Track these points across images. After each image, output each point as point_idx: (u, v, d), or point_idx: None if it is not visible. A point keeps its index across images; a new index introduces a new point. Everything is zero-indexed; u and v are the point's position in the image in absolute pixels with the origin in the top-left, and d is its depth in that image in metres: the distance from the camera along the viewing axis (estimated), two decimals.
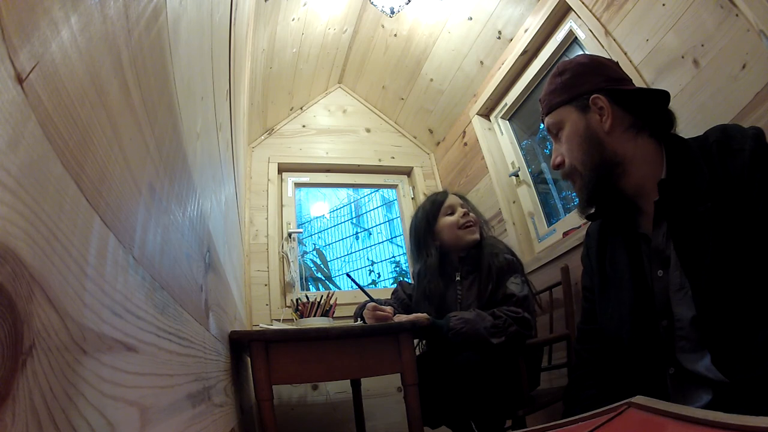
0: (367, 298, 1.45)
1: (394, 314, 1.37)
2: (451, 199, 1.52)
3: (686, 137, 0.79)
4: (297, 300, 1.61)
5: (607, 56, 1.49)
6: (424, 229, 1.50)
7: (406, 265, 2.82)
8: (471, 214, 1.49)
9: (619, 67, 0.90)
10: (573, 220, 1.83)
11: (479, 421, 1.16)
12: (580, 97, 0.83)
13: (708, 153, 0.71)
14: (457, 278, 1.45)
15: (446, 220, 1.47)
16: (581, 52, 1.78)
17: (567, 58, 0.89)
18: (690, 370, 0.69)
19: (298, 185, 2.63)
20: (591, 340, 0.88)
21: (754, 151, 0.66)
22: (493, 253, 1.40)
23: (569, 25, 1.72)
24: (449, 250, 1.48)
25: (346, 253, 3.79)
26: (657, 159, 0.77)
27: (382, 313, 1.32)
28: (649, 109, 0.81)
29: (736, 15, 1.08)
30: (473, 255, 1.44)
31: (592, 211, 0.87)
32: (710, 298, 0.65)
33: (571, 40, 1.77)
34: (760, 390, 0.57)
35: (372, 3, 2.03)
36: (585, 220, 1.62)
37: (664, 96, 0.81)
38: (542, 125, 0.94)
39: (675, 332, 0.71)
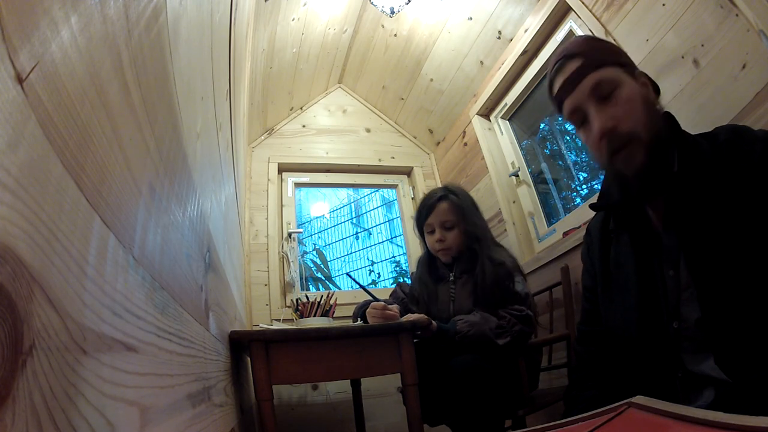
0: (368, 298, 1.46)
1: (400, 314, 1.37)
2: (435, 216, 1.43)
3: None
4: (297, 300, 1.61)
5: None
6: (418, 231, 1.52)
7: (406, 265, 2.82)
8: (450, 234, 1.41)
9: None
10: (573, 220, 1.83)
11: (478, 423, 1.16)
12: (630, 66, 0.77)
13: (718, 152, 0.69)
14: (451, 278, 1.45)
15: (427, 236, 1.47)
16: None
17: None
18: (694, 372, 0.68)
19: (298, 185, 2.63)
20: (591, 341, 0.88)
21: (764, 153, 0.65)
22: (498, 263, 1.36)
23: (569, 25, 1.72)
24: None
25: (346, 253, 3.79)
26: (671, 153, 0.74)
27: (390, 312, 1.32)
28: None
29: (736, 15, 1.08)
30: (467, 257, 1.43)
31: (643, 185, 0.74)
32: (716, 299, 0.64)
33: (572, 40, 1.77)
34: (763, 391, 0.57)
35: (372, 3, 2.03)
36: (584, 222, 1.62)
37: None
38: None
39: (681, 333, 0.70)
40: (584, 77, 0.74)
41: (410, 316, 1.33)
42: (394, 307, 1.36)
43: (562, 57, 0.79)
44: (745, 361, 0.61)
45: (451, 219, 1.42)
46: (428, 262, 1.51)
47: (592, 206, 0.86)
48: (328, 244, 3.81)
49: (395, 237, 3.48)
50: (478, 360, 1.20)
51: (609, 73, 0.73)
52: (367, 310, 1.36)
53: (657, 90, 0.79)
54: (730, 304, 0.63)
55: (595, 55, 0.75)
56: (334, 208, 3.86)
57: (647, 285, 0.74)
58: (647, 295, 0.74)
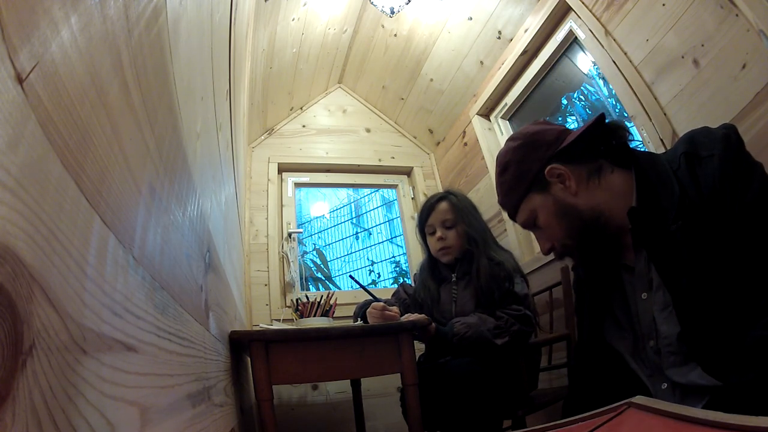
0: (369, 298, 1.46)
1: (400, 314, 1.38)
2: (435, 216, 1.46)
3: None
4: (297, 300, 1.61)
5: (607, 56, 1.49)
6: (420, 235, 1.55)
7: (406, 265, 2.82)
8: (450, 233, 1.43)
9: (549, 123, 0.88)
10: None
11: (475, 427, 1.16)
12: (536, 179, 0.81)
13: (677, 168, 0.70)
14: (453, 279, 1.46)
15: (428, 238, 1.49)
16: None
17: (500, 151, 0.89)
18: (683, 383, 0.69)
19: (298, 185, 2.63)
20: (586, 359, 0.89)
21: (723, 157, 0.65)
22: (496, 263, 1.38)
23: (569, 25, 1.72)
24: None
25: (346, 253, 3.79)
26: (628, 190, 0.76)
27: (390, 313, 1.32)
28: (598, 144, 0.79)
29: (736, 15, 1.08)
30: (468, 259, 1.44)
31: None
32: (692, 312, 0.66)
33: (571, 40, 1.77)
34: (754, 393, 0.57)
35: (372, 3, 2.03)
36: None
37: (600, 122, 0.79)
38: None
39: (663, 349, 0.71)
40: (515, 221, 0.90)
41: (410, 316, 1.33)
42: (394, 309, 1.36)
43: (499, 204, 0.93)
44: (730, 365, 0.61)
45: (451, 218, 1.45)
46: (430, 265, 1.52)
47: (573, 268, 0.98)
48: (328, 244, 3.81)
49: (395, 237, 3.48)
50: (474, 364, 1.20)
51: (524, 214, 0.85)
52: (367, 310, 1.36)
53: (584, 157, 0.79)
54: (707, 314, 0.64)
55: (508, 203, 0.88)
56: (334, 208, 3.86)
57: (597, 315, 0.84)
58: (596, 323, 0.84)
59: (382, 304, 1.35)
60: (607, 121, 0.79)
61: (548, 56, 1.88)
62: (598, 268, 0.85)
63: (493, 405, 1.20)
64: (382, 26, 2.37)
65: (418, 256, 2.39)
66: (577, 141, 0.79)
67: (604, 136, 0.80)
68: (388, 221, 3.70)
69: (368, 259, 3.77)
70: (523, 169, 0.83)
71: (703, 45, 1.18)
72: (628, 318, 0.78)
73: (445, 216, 1.45)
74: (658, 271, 0.71)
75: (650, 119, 1.35)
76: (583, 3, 1.59)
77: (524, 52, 1.95)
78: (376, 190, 3.35)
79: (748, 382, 0.58)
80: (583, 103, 2.44)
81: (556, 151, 0.80)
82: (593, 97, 2.41)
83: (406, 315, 1.36)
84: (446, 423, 1.26)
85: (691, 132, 0.72)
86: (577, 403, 0.85)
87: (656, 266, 0.71)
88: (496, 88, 2.16)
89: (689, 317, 0.66)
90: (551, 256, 1.72)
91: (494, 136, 2.30)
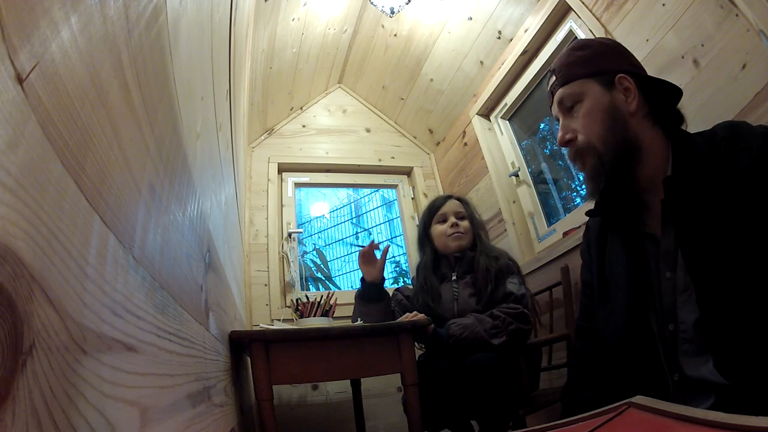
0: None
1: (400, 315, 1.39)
2: (448, 207, 1.56)
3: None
4: (297, 300, 1.61)
5: None
6: (422, 230, 1.60)
7: (406, 265, 2.82)
8: (463, 223, 1.52)
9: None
10: (573, 220, 1.83)
11: (485, 422, 1.17)
12: (606, 73, 0.79)
13: (716, 150, 0.69)
14: (453, 277, 1.48)
15: (437, 228, 1.55)
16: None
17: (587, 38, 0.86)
18: (692, 377, 0.67)
19: (298, 185, 2.63)
20: (589, 337, 0.87)
21: (762, 150, 0.64)
22: (492, 257, 1.44)
23: (569, 25, 1.72)
24: (442, 253, 1.54)
25: (346, 253, 3.79)
26: (666, 154, 0.75)
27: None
28: (664, 102, 0.79)
29: (736, 15, 1.08)
30: (469, 257, 1.48)
31: (597, 198, 0.82)
32: (715, 300, 0.64)
33: (571, 40, 1.77)
34: (763, 397, 0.56)
35: (372, 3, 2.03)
36: (584, 222, 1.63)
37: (677, 92, 0.79)
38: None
39: (679, 335, 0.69)
40: (554, 93, 0.84)
41: (409, 315, 1.33)
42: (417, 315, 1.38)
43: (549, 70, 0.87)
44: (744, 364, 0.60)
45: (463, 212, 1.56)
46: (434, 261, 1.54)
47: (588, 213, 0.88)
48: (328, 244, 3.81)
49: (395, 237, 3.48)
50: (495, 359, 1.21)
51: (573, 89, 0.80)
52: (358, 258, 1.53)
53: (652, 98, 0.78)
54: (729, 304, 0.62)
55: (566, 71, 0.82)
56: (334, 208, 3.86)
57: (638, 289, 0.76)
58: (638, 299, 0.75)
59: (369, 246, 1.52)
60: None
61: (548, 56, 1.88)
62: (618, 223, 0.81)
63: (512, 399, 1.22)
64: (382, 26, 2.37)
65: (417, 256, 2.39)
66: (656, 81, 0.79)
67: (672, 103, 0.79)
68: (388, 221, 3.70)
69: None
70: (600, 60, 0.80)
71: (703, 45, 1.18)
72: (651, 295, 0.75)
73: (458, 209, 1.56)
74: (683, 250, 0.69)
75: None
76: (583, 3, 1.59)
77: (524, 52, 1.95)
78: (376, 190, 3.35)
79: (760, 387, 0.57)
80: None
81: (636, 71, 0.79)
82: None
83: (406, 314, 1.37)
84: (456, 418, 1.26)
85: (731, 122, 0.73)
86: (576, 396, 0.84)
87: (683, 245, 0.69)
88: (496, 88, 2.16)
89: (710, 304, 0.64)
90: (551, 257, 1.75)
91: (494, 136, 2.30)
